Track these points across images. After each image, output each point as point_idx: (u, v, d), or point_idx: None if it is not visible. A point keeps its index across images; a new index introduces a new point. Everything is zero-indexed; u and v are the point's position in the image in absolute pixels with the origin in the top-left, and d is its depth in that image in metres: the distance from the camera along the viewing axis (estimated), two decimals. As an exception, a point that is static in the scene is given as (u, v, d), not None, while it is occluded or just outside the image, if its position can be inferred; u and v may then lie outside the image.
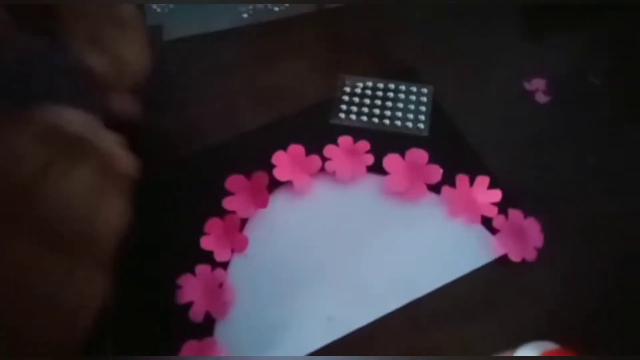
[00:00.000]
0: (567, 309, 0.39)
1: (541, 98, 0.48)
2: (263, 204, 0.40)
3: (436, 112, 0.47)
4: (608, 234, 0.41)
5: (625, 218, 0.42)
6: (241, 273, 0.38)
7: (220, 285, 0.37)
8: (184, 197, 0.41)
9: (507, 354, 0.30)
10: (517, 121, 0.47)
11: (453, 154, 0.44)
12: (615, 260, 0.40)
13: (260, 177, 0.41)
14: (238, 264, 0.39)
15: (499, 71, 0.51)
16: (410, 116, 0.46)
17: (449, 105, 0.47)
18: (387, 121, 0.46)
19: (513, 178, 0.43)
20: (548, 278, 0.40)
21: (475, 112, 0.47)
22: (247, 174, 0.42)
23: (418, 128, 0.45)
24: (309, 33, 0.51)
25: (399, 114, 0.46)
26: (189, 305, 0.36)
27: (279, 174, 0.42)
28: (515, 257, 0.39)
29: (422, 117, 0.46)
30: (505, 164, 0.44)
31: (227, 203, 0.41)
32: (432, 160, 0.43)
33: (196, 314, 0.36)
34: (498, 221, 0.40)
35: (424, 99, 0.47)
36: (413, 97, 0.47)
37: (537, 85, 0.49)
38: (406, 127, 0.45)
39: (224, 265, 0.38)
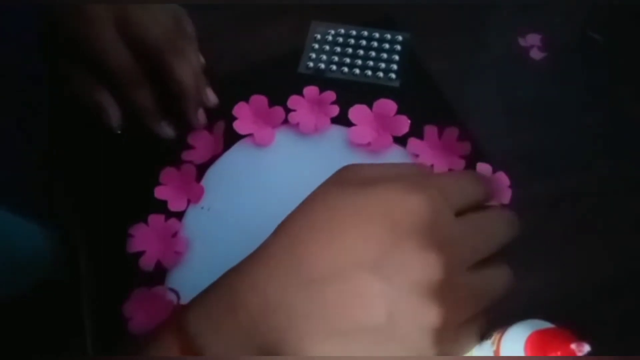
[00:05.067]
0: (532, 272, 0.38)
1: (536, 55, 0.45)
2: (218, 150, 0.40)
3: (411, 63, 0.44)
4: (593, 198, 0.39)
5: (616, 183, 0.40)
6: (196, 224, 0.38)
7: (174, 235, 0.37)
8: (142, 146, 0.40)
9: (496, 335, 0.28)
10: (504, 75, 0.45)
11: (424, 106, 0.42)
12: (590, 227, 0.39)
13: (218, 126, 0.40)
14: (193, 214, 0.38)
15: (489, 24, 0.48)
16: (382, 65, 0.44)
17: (426, 56, 0.45)
18: (357, 71, 0.44)
19: (488, 132, 0.41)
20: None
21: (457, 64, 0.45)
22: (208, 127, 0.41)
23: (389, 78, 0.43)
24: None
25: (370, 63, 0.44)
26: (140, 254, 0.36)
27: (240, 126, 0.40)
28: (478, 212, 0.37)
29: (395, 67, 0.44)
30: (482, 117, 0.42)
31: (186, 155, 0.40)
32: (402, 111, 0.41)
33: (147, 263, 0.35)
34: (464, 175, 0.39)
35: (398, 47, 0.44)
36: (386, 46, 0.45)
37: (532, 41, 0.46)
38: (377, 77, 0.43)
39: (179, 215, 0.38)
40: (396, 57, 0.44)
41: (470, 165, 0.39)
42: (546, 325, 0.26)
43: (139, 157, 0.40)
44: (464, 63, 0.45)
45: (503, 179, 0.39)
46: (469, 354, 0.30)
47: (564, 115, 0.43)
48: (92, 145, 0.41)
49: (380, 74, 0.43)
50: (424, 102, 0.42)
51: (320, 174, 0.40)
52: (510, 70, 0.45)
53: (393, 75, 0.43)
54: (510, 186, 0.39)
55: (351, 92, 0.42)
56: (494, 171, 0.39)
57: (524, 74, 0.45)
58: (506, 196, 0.38)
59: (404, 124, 0.40)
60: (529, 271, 0.37)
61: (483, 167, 0.39)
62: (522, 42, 0.46)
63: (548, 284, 0.36)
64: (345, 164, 0.40)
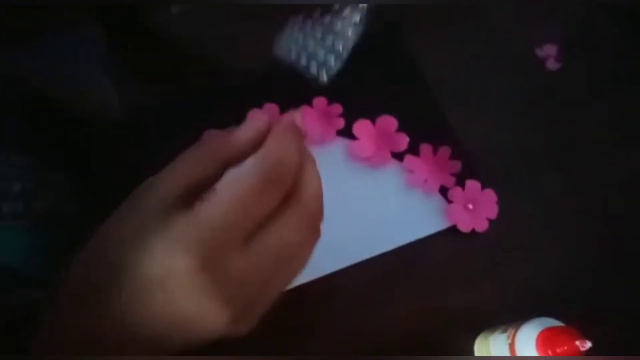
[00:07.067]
0: (510, 280, 0.41)
1: (552, 65, 0.47)
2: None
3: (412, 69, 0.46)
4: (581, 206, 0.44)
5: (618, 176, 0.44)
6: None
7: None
8: (159, 142, 0.43)
9: (511, 330, 0.34)
10: (515, 89, 0.47)
11: (424, 122, 0.45)
12: (578, 240, 0.43)
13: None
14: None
15: (501, 34, 0.49)
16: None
17: (431, 69, 0.47)
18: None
19: (483, 150, 0.44)
20: (496, 249, 0.42)
21: (465, 75, 0.47)
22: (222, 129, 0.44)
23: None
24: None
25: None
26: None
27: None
28: (464, 228, 0.41)
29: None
30: (478, 133, 0.45)
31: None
32: (401, 127, 0.44)
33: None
34: (454, 192, 0.42)
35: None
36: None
37: (548, 51, 0.47)
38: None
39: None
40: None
41: (460, 182, 0.43)
42: (556, 323, 0.33)
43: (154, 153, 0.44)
44: (471, 73, 0.47)
45: (491, 195, 0.42)
46: (485, 344, 0.35)
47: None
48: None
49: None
50: (422, 117, 0.45)
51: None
52: (518, 79, 0.47)
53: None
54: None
55: (355, 103, 0.45)
56: (483, 188, 0.42)
57: (530, 84, 0.47)
58: (494, 212, 0.42)
59: (402, 141, 0.43)
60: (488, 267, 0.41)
61: (472, 184, 0.42)
62: (539, 52, 0.47)
63: (557, 283, 0.42)
64: (344, 176, 0.44)
